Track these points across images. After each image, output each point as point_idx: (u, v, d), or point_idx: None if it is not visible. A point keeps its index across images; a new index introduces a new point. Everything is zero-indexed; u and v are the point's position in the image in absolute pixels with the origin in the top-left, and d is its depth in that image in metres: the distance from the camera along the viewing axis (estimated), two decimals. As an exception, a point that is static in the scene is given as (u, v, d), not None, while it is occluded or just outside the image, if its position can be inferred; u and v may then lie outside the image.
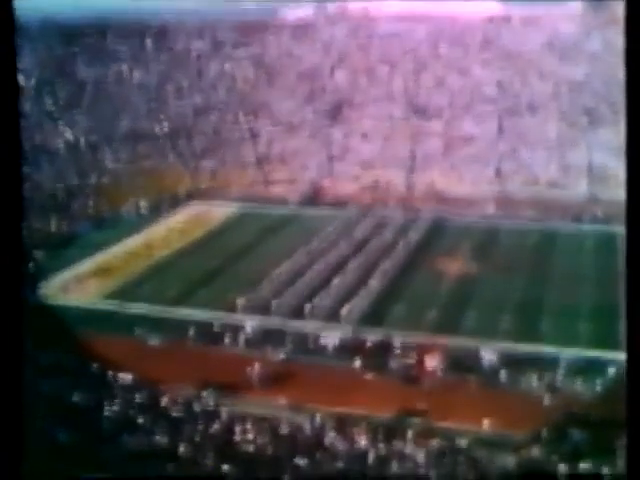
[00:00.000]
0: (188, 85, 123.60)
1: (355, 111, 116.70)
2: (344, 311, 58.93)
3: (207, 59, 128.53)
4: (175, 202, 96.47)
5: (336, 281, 65.30)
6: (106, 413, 40.72)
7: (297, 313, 59.66)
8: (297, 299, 62.06)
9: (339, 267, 69.36)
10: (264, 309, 60.31)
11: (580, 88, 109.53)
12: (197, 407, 44.45)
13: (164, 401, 44.02)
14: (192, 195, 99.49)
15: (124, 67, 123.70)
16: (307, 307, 59.88)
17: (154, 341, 55.04)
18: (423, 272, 69.98)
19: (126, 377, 46.29)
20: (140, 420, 40.65)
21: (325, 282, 65.47)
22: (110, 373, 46.36)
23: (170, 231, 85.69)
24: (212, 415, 43.44)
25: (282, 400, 45.92)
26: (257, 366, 49.75)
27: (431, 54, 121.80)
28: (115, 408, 41.24)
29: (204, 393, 46.53)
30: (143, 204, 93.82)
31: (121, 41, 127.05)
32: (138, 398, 43.93)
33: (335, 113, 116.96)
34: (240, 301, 60.93)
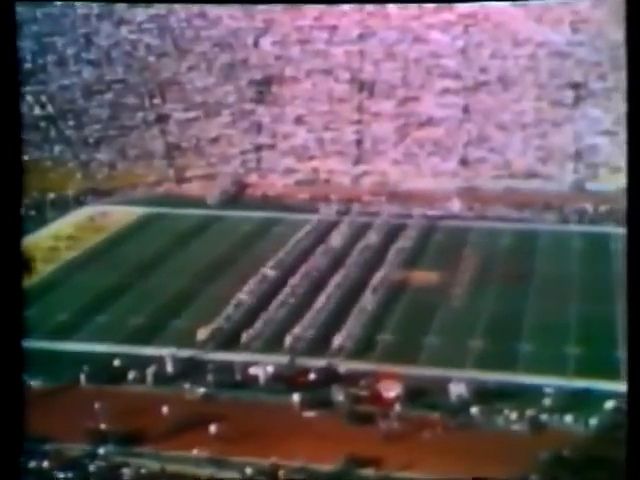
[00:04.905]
0: (74, 54, 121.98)
1: (286, 89, 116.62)
2: (335, 342, 58.64)
3: (97, 20, 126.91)
4: (63, 203, 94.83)
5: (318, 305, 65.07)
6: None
7: (275, 347, 58.90)
8: (273, 330, 61.54)
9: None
10: (231, 344, 59.57)
11: (563, 56, 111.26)
12: (92, 467, 43.53)
13: (48, 463, 42.95)
14: (85, 195, 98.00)
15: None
16: (288, 339, 59.22)
17: (35, 383, 53.64)
18: (374, 287, 69.70)
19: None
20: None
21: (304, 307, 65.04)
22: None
23: (57, 239, 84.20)
24: (112, 476, 42.63)
25: (202, 451, 45.23)
26: (169, 408, 49.01)
27: (378, 16, 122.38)
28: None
29: (101, 448, 45.54)
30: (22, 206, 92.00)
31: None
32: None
33: (262, 91, 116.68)
34: (201, 333, 60.20)
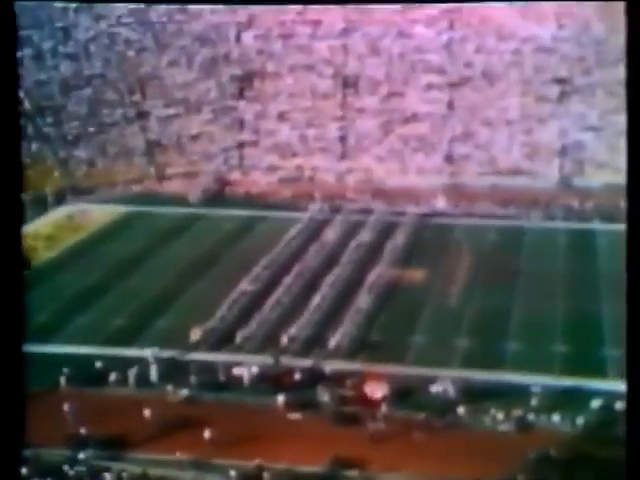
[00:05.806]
0: (51, 48, 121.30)
1: (269, 84, 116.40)
2: (332, 342, 58.70)
3: (75, 13, 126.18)
4: (42, 202, 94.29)
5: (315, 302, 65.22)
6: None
7: (270, 346, 58.80)
8: (268, 329, 61.43)
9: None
10: (225, 345, 59.45)
11: (548, 52, 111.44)
12: (72, 472, 43.32)
13: (26, 470, 42.66)
14: (63, 193, 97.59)
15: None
16: (284, 338, 59.17)
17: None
18: (363, 286, 69.68)
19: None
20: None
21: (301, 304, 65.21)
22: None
23: (35, 239, 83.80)
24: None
25: (184, 454, 45.13)
26: (152, 411, 48.89)
27: (361, 10, 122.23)
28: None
29: (82, 453, 45.40)
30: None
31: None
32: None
33: (244, 87, 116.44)
34: (194, 334, 60.03)
